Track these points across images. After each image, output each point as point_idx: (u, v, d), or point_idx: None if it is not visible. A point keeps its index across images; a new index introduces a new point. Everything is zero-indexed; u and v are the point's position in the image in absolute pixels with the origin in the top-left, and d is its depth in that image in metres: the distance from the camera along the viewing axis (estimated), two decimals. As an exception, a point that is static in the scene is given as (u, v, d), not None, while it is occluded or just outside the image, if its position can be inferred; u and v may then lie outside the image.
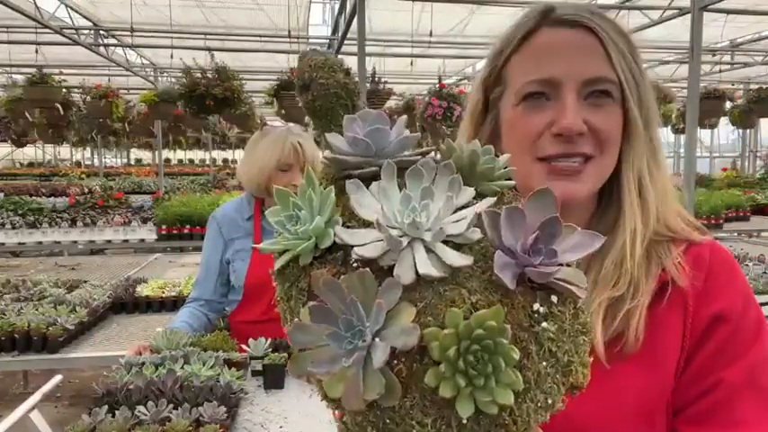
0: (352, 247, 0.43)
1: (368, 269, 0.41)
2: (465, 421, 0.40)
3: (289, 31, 7.03)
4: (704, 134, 16.95)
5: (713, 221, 6.59)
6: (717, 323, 0.70)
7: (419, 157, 0.49)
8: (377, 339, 0.40)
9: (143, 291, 3.34)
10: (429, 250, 0.43)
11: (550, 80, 0.70)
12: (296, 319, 0.44)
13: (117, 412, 1.42)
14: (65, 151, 23.35)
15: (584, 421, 0.68)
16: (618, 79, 0.70)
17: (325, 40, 9.03)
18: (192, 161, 26.56)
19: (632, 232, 0.71)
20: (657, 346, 0.70)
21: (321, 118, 0.53)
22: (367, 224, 0.45)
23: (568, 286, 0.44)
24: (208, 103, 6.19)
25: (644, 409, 0.70)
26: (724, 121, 10.50)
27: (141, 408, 1.43)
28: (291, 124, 2.30)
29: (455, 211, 0.45)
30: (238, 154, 24.03)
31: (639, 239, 0.70)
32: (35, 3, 5.75)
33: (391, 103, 8.77)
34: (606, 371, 0.65)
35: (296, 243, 0.45)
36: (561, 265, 0.44)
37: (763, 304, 3.28)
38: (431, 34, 7.69)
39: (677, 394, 0.71)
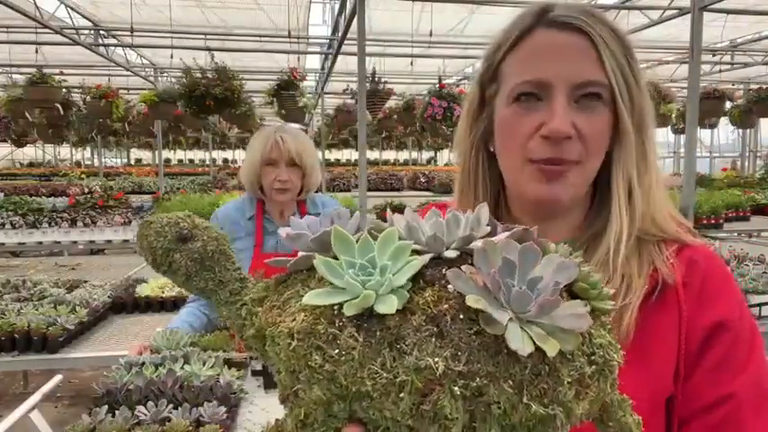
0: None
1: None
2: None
3: (289, 31, 7.03)
4: (704, 134, 16.96)
5: (713, 221, 6.59)
6: (718, 331, 0.70)
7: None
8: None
9: (143, 291, 3.34)
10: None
11: (542, 82, 0.71)
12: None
13: (117, 412, 1.43)
14: (65, 151, 23.34)
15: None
16: (609, 83, 0.70)
17: (325, 40, 9.04)
18: (192, 161, 26.57)
19: (617, 234, 0.71)
20: (647, 347, 0.70)
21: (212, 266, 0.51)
22: None
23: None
24: (208, 103, 6.19)
25: (639, 407, 0.70)
26: (724, 121, 10.51)
27: (141, 408, 1.43)
28: (288, 124, 2.31)
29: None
30: (238, 154, 24.08)
31: (624, 242, 0.71)
32: (35, 3, 5.75)
33: (391, 103, 8.77)
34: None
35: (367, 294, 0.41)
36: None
37: (763, 304, 3.28)
38: (431, 34, 7.70)
39: (683, 405, 0.71)
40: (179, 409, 1.44)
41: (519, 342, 0.39)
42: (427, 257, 0.45)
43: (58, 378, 1.99)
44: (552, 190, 0.71)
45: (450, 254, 0.45)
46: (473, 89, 0.82)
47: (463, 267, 0.43)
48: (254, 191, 2.12)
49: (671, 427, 0.73)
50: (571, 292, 0.47)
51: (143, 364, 1.66)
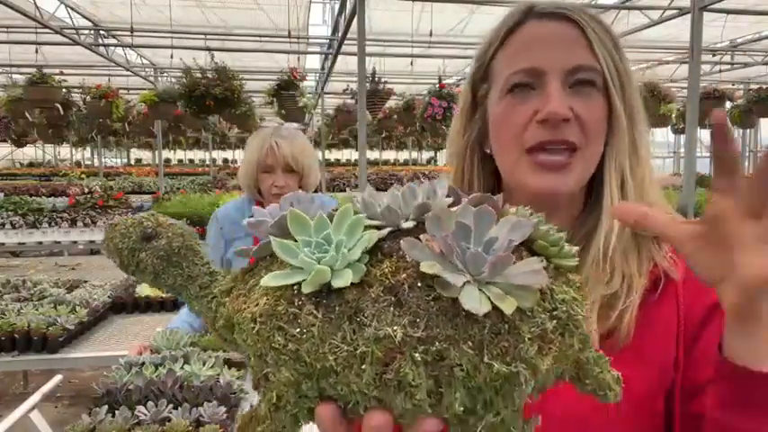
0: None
1: None
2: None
3: (289, 31, 7.03)
4: (704, 134, 16.94)
5: (713, 221, 6.58)
6: (714, 311, 0.71)
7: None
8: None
9: (143, 291, 3.34)
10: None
11: (534, 70, 0.71)
12: None
13: (117, 412, 1.43)
14: (65, 151, 23.35)
15: (585, 416, 0.68)
16: (601, 69, 0.70)
17: (325, 40, 9.04)
18: (192, 161, 26.58)
19: (609, 230, 0.71)
20: (647, 342, 0.71)
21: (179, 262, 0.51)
22: None
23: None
24: (208, 103, 6.20)
25: (641, 404, 0.70)
26: (724, 121, 10.50)
27: (141, 408, 1.44)
28: (287, 124, 2.30)
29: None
30: (238, 154, 24.06)
31: (617, 233, 0.71)
32: (35, 3, 5.75)
33: (391, 103, 8.77)
34: None
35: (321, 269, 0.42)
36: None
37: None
38: (431, 34, 7.70)
39: (687, 380, 0.71)
40: (179, 409, 1.45)
41: (475, 302, 0.40)
42: (385, 231, 0.45)
43: (57, 378, 2.00)
44: (552, 181, 0.71)
45: (408, 225, 0.46)
46: (465, 90, 0.82)
47: (421, 237, 0.44)
48: (253, 193, 2.12)
49: (672, 420, 0.73)
50: (532, 251, 0.47)
51: (143, 364, 1.66)
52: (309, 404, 0.43)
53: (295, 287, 0.43)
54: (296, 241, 0.45)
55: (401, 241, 0.43)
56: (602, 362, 0.49)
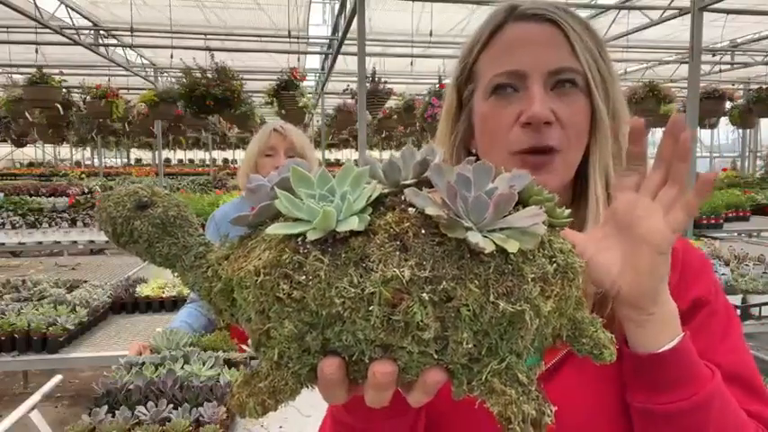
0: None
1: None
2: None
3: (289, 31, 7.03)
4: (704, 134, 16.95)
5: (713, 221, 6.59)
6: (695, 307, 0.72)
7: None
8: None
9: (143, 291, 3.34)
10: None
11: (517, 72, 0.72)
12: None
13: (117, 412, 1.43)
14: (65, 151, 23.35)
15: (589, 415, 0.69)
16: (583, 70, 0.71)
17: (325, 40, 9.04)
18: (192, 161, 26.57)
19: (594, 223, 0.72)
20: None
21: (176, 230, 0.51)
22: None
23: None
24: (208, 103, 6.20)
25: (622, 397, 0.70)
26: (724, 121, 10.52)
27: (141, 408, 1.44)
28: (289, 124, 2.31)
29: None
30: (238, 154, 24.06)
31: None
32: (35, 3, 5.75)
33: (391, 103, 8.77)
34: (599, 365, 0.66)
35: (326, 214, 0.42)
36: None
37: (763, 304, 3.27)
38: (431, 34, 7.70)
39: None
40: (179, 409, 1.44)
41: (480, 240, 0.41)
42: (386, 189, 0.46)
43: (57, 378, 1.99)
44: (537, 180, 0.71)
45: (408, 182, 0.47)
46: (450, 92, 0.83)
47: (423, 189, 0.45)
48: None
49: None
50: (527, 205, 0.48)
51: (143, 364, 1.66)
52: (312, 360, 0.43)
53: (299, 238, 0.43)
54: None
55: (405, 190, 0.44)
56: (596, 322, 0.51)
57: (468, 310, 0.40)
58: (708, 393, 0.61)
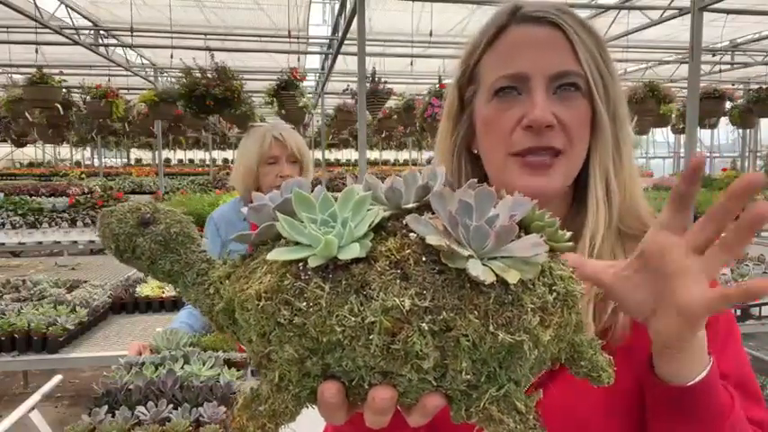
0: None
1: None
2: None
3: (289, 31, 7.03)
4: (704, 134, 16.96)
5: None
6: None
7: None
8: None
9: (143, 291, 3.34)
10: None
11: (519, 75, 0.72)
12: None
13: (117, 412, 1.43)
14: (65, 151, 23.36)
15: (587, 415, 0.69)
16: (584, 73, 0.71)
17: (325, 40, 9.04)
18: (192, 161, 26.58)
19: (594, 224, 0.72)
20: (636, 337, 0.71)
21: (177, 248, 0.51)
22: None
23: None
24: (208, 103, 6.19)
25: (630, 397, 0.70)
26: (724, 121, 10.51)
27: (141, 408, 1.43)
28: (280, 122, 2.30)
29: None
30: (238, 154, 24.04)
31: (603, 230, 0.72)
32: (35, 3, 5.75)
33: (391, 103, 8.77)
34: None
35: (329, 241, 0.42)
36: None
37: (763, 304, 3.26)
38: (431, 34, 7.70)
39: None
40: (179, 409, 1.44)
41: (481, 271, 0.41)
42: (388, 213, 0.46)
43: (57, 378, 1.99)
44: (538, 182, 0.72)
45: (410, 206, 0.47)
46: (451, 93, 0.83)
47: (424, 215, 0.45)
48: (249, 192, 2.11)
49: None
50: (528, 231, 0.48)
51: (143, 364, 1.66)
52: (312, 384, 0.44)
53: (300, 263, 0.43)
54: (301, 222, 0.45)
55: (406, 217, 0.44)
56: (595, 344, 0.51)
57: (468, 341, 0.40)
58: (729, 425, 0.61)
